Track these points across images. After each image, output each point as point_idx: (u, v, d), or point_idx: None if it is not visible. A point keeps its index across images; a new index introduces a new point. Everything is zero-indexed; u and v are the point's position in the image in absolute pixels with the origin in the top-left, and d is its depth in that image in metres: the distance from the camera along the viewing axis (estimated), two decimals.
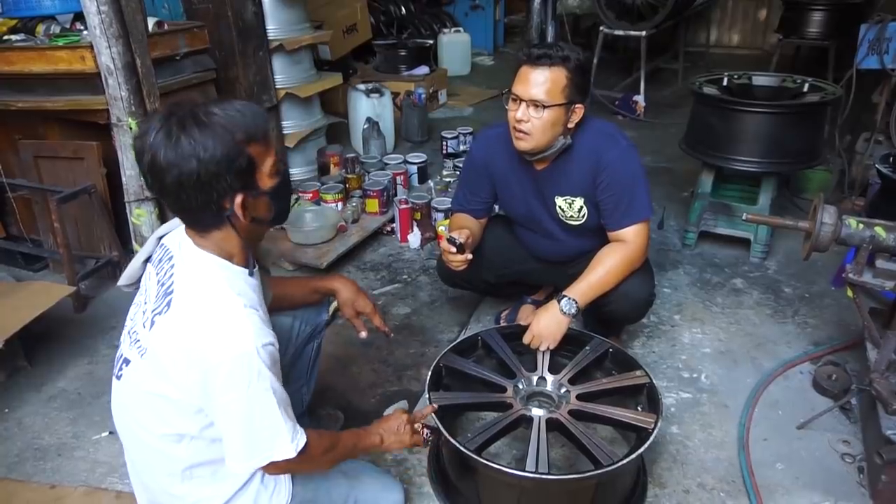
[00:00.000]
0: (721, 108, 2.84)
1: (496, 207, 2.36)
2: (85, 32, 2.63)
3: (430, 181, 3.78)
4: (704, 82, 3.04)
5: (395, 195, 3.45)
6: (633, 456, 1.58)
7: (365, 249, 3.23)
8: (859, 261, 1.85)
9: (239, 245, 1.27)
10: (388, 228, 3.36)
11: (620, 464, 1.55)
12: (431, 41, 6.01)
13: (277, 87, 3.68)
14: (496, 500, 1.70)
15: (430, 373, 1.84)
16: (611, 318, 2.14)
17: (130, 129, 2.10)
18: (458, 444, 1.59)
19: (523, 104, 1.87)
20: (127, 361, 1.30)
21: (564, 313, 1.90)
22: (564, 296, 1.92)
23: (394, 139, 4.51)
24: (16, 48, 2.68)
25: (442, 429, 1.64)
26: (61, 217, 2.59)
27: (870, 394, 1.84)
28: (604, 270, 1.94)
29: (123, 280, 1.44)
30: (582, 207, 2.05)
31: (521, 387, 1.86)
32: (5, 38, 2.77)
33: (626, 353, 1.98)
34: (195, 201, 1.17)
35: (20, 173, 2.95)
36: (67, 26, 2.86)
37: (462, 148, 4.20)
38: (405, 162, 3.81)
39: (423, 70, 5.41)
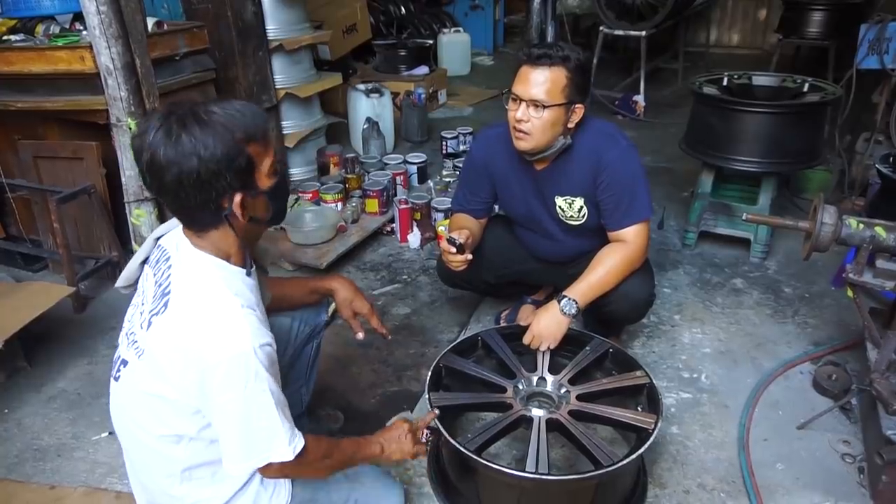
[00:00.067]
0: (721, 108, 2.84)
1: (496, 207, 2.36)
2: (84, 32, 2.63)
3: (429, 181, 3.78)
4: (704, 82, 3.04)
5: (395, 195, 3.45)
6: (633, 456, 1.57)
7: (365, 249, 3.23)
8: (859, 261, 1.84)
9: (236, 245, 1.27)
10: (388, 228, 3.36)
11: (621, 464, 1.55)
12: (431, 41, 6.01)
13: (277, 87, 3.68)
14: (496, 501, 1.70)
15: (429, 373, 1.83)
16: (611, 318, 2.14)
17: (130, 129, 2.10)
18: (458, 445, 1.59)
19: (523, 104, 1.86)
20: (125, 363, 1.30)
21: (564, 313, 1.90)
22: (564, 296, 1.92)
23: (393, 139, 4.51)
24: (15, 48, 2.68)
25: (442, 429, 1.64)
26: (61, 217, 2.59)
27: (870, 394, 1.84)
28: (604, 270, 1.94)
29: (121, 282, 1.43)
30: (582, 207, 2.05)
31: (521, 387, 1.86)
32: (5, 38, 2.76)
33: (627, 354, 1.98)
34: (194, 200, 1.16)
35: (19, 173, 2.94)
36: (67, 26, 2.86)
37: (462, 148, 4.20)
38: (405, 162, 3.80)
39: (423, 70, 5.41)
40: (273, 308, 1.53)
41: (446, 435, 1.63)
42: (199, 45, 3.04)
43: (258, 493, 1.35)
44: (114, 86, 2.09)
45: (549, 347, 1.91)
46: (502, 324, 2.51)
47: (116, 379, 1.32)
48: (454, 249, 1.98)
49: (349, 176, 3.51)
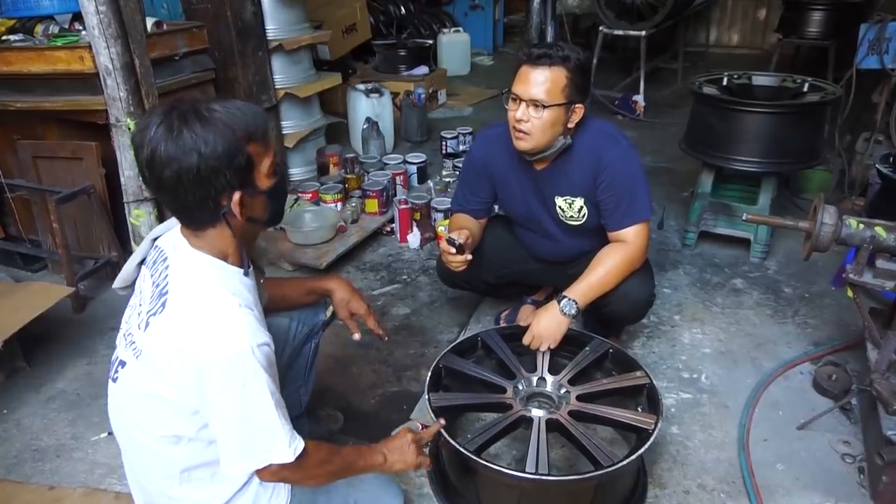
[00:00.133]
0: (721, 108, 2.84)
1: (496, 208, 2.35)
2: (83, 32, 2.63)
3: (429, 181, 3.78)
4: (704, 82, 3.04)
5: (395, 195, 3.44)
6: (633, 457, 1.57)
7: (364, 250, 3.22)
8: (859, 261, 1.84)
9: (234, 244, 1.27)
10: (388, 229, 3.36)
11: (620, 465, 1.54)
12: (431, 41, 6.01)
13: (277, 87, 3.67)
14: (496, 501, 1.70)
15: (429, 373, 1.83)
16: (611, 318, 2.14)
17: (129, 129, 2.10)
18: (457, 445, 1.58)
19: (523, 104, 1.86)
20: (122, 363, 1.29)
21: (564, 314, 1.89)
22: (564, 296, 1.92)
23: (393, 139, 4.51)
24: (14, 48, 2.68)
25: (442, 430, 1.63)
26: (60, 217, 2.59)
27: (870, 394, 1.84)
28: (604, 271, 1.94)
29: (118, 283, 1.43)
30: (582, 207, 2.04)
31: (520, 387, 1.86)
32: (4, 38, 2.76)
33: (626, 354, 1.97)
34: (193, 197, 1.16)
35: (19, 174, 2.94)
36: (66, 26, 2.85)
37: (462, 148, 4.20)
38: (404, 162, 3.80)
39: (423, 70, 5.41)
40: (271, 308, 1.52)
41: (446, 435, 1.63)
42: (198, 45, 3.04)
43: (258, 493, 1.34)
44: (113, 86, 2.08)
45: (548, 348, 1.91)
46: (502, 324, 2.51)
47: (115, 380, 1.32)
48: (454, 250, 1.97)
49: (349, 176, 3.51)
